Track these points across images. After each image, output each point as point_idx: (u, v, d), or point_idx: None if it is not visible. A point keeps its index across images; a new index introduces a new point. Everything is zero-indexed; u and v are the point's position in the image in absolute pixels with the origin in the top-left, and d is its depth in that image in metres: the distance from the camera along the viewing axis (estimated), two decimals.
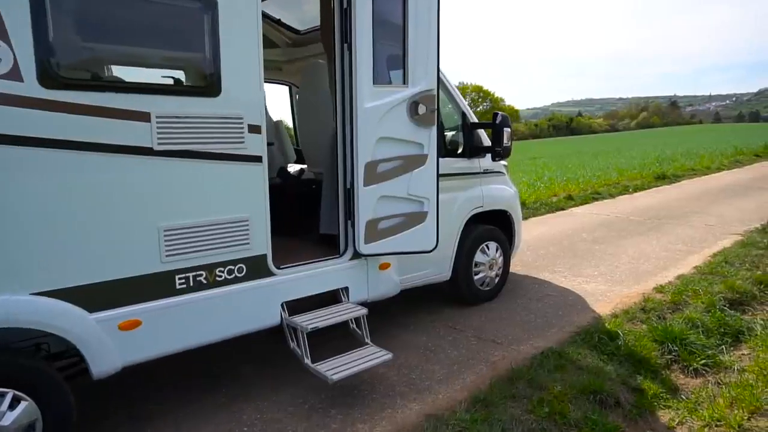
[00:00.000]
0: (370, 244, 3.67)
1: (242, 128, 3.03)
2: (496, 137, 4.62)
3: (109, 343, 2.70)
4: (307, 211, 4.51)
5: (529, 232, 7.93)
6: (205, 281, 3.02)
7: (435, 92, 3.66)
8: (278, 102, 6.28)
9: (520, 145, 50.78)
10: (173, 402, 3.38)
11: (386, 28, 3.49)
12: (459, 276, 4.77)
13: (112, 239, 2.67)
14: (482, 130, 4.86)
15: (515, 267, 6.09)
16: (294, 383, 3.55)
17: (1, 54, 2.27)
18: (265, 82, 5.70)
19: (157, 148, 2.73)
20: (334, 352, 3.43)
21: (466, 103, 4.82)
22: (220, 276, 3.08)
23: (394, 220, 3.71)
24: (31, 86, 2.35)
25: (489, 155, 4.83)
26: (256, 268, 3.23)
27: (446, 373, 3.69)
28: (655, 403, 3.29)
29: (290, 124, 6.25)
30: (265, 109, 5.28)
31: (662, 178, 14.03)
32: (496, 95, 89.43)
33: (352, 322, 3.67)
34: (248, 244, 3.16)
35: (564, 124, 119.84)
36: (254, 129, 3.08)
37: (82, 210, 2.57)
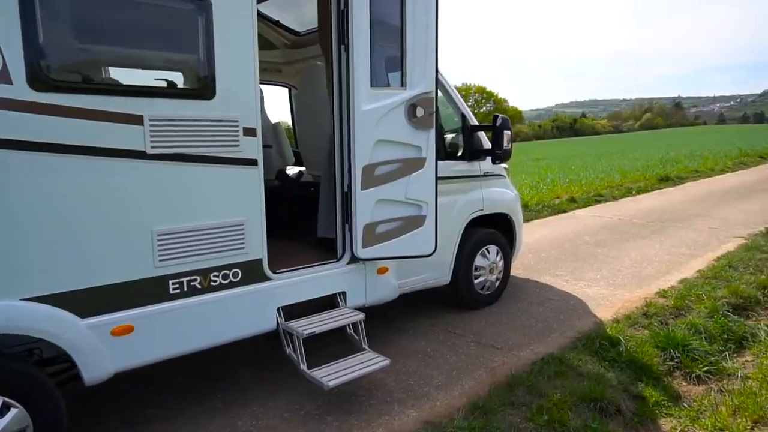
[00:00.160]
0: (367, 249, 3.63)
1: (237, 131, 2.99)
2: (496, 140, 4.58)
3: (101, 349, 2.66)
4: (305, 214, 4.48)
5: (531, 234, 7.88)
6: (199, 286, 2.98)
7: (433, 94, 3.62)
8: (278, 104, 6.25)
9: (523, 147, 50.72)
10: (170, 406, 3.34)
11: (384, 29, 3.45)
12: (459, 280, 4.72)
13: (104, 244, 2.64)
14: (482, 133, 4.81)
15: (516, 270, 6.04)
16: (291, 389, 3.51)
17: None
18: (265, 83, 5.74)
19: (150, 151, 2.69)
20: (331, 357, 3.39)
21: (466, 105, 4.77)
22: (215, 281, 3.04)
23: (392, 224, 3.67)
24: (20, 89, 2.32)
25: (489, 158, 4.78)
26: (251, 273, 3.19)
27: (445, 378, 3.65)
28: (657, 411, 3.23)
29: (291, 126, 6.23)
30: (264, 111, 5.30)
31: (666, 180, 13.95)
32: (499, 96, 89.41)
33: (349, 328, 3.63)
34: (243, 248, 3.13)
35: (567, 125, 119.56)
36: (249, 132, 3.04)
37: (74, 214, 2.53)
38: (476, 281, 4.86)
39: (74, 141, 2.47)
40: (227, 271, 3.08)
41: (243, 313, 3.18)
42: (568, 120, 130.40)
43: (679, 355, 3.79)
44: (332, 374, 3.18)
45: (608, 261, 6.46)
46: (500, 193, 5.06)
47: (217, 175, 2.96)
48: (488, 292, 5.01)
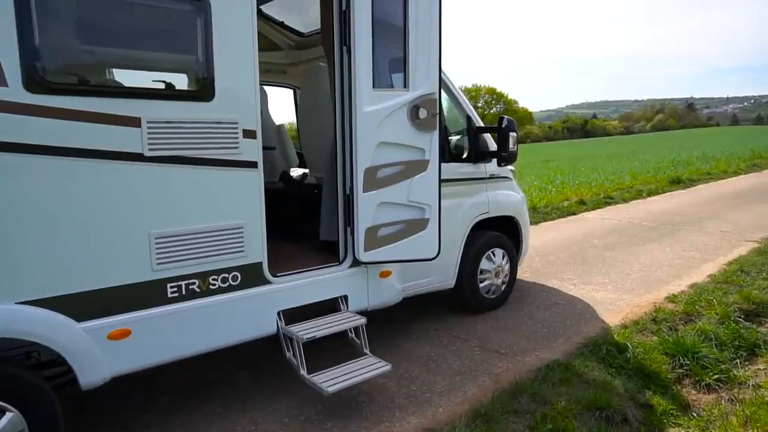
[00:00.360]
0: (369, 252, 3.58)
1: (237, 133, 2.96)
2: (502, 142, 4.51)
3: (97, 353, 2.63)
4: (309, 217, 4.44)
5: (538, 237, 7.79)
6: (198, 290, 2.95)
7: (437, 96, 3.56)
8: (284, 105, 6.23)
9: (533, 148, 50.47)
10: (168, 411, 3.32)
11: (386, 30, 3.41)
12: (464, 283, 4.66)
13: (101, 247, 2.61)
14: (488, 135, 4.75)
15: (523, 274, 5.96)
16: (290, 394, 3.47)
17: None
18: (270, 85, 5.72)
19: (147, 153, 2.66)
20: (333, 361, 3.35)
21: (472, 106, 4.71)
22: (214, 284, 3.01)
23: (394, 227, 3.62)
24: (16, 91, 2.30)
25: (495, 160, 4.72)
26: (251, 276, 3.15)
27: (447, 384, 3.59)
28: (665, 421, 3.14)
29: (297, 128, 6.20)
30: (268, 112, 5.28)
31: (677, 183, 13.77)
32: (509, 97, 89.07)
33: (351, 332, 3.58)
34: (243, 251, 3.09)
35: (578, 126, 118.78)
36: (249, 134, 3.01)
37: (70, 217, 2.51)
38: (481, 285, 4.80)
39: (70, 143, 2.45)
40: (226, 275, 3.05)
41: (242, 316, 3.15)
42: (579, 121, 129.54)
43: (688, 362, 3.70)
44: (332, 379, 3.14)
45: (617, 265, 6.36)
46: (506, 195, 4.99)
47: (216, 178, 2.93)
48: (494, 296, 4.94)
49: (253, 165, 3.05)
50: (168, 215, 2.80)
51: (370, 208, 3.52)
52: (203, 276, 2.96)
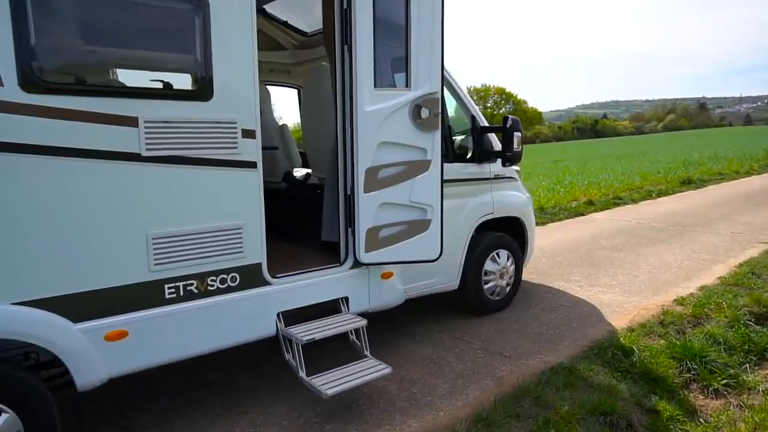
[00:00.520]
0: (370, 253, 3.54)
1: (236, 133, 2.93)
2: (507, 141, 4.45)
3: (94, 354, 2.62)
4: (311, 217, 4.41)
5: (546, 238, 7.72)
6: (196, 291, 2.93)
7: (439, 95, 3.52)
8: (289, 105, 6.22)
9: (543, 148, 50.14)
10: (168, 412, 3.30)
11: (388, 29, 3.37)
12: (468, 285, 4.60)
13: (98, 247, 2.59)
14: (493, 135, 4.70)
15: (529, 275, 5.90)
16: (290, 396, 3.44)
17: None
18: (274, 85, 5.71)
19: (145, 153, 2.64)
20: (335, 363, 3.32)
21: (476, 105, 4.66)
22: (212, 285, 2.98)
23: (395, 228, 3.58)
24: (12, 91, 2.28)
25: (500, 160, 4.66)
26: (250, 277, 3.13)
27: (449, 387, 3.54)
28: (671, 426, 3.08)
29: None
30: (271, 112, 5.26)
31: (687, 183, 13.59)
32: (519, 97, 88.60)
33: (351, 334, 3.55)
34: (242, 252, 3.06)
35: (588, 126, 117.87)
36: (248, 134, 2.98)
37: (66, 218, 2.49)
38: (486, 286, 4.74)
39: (67, 143, 2.43)
40: (225, 276, 3.02)
41: (241, 318, 3.12)
42: (589, 121, 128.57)
43: (696, 366, 3.62)
44: (331, 382, 3.10)
45: (625, 266, 6.27)
46: (511, 196, 4.93)
47: (215, 178, 2.90)
48: (498, 298, 4.88)
49: (252, 165, 3.02)
50: (166, 215, 2.78)
51: (372, 209, 3.48)
52: (201, 277, 2.94)
